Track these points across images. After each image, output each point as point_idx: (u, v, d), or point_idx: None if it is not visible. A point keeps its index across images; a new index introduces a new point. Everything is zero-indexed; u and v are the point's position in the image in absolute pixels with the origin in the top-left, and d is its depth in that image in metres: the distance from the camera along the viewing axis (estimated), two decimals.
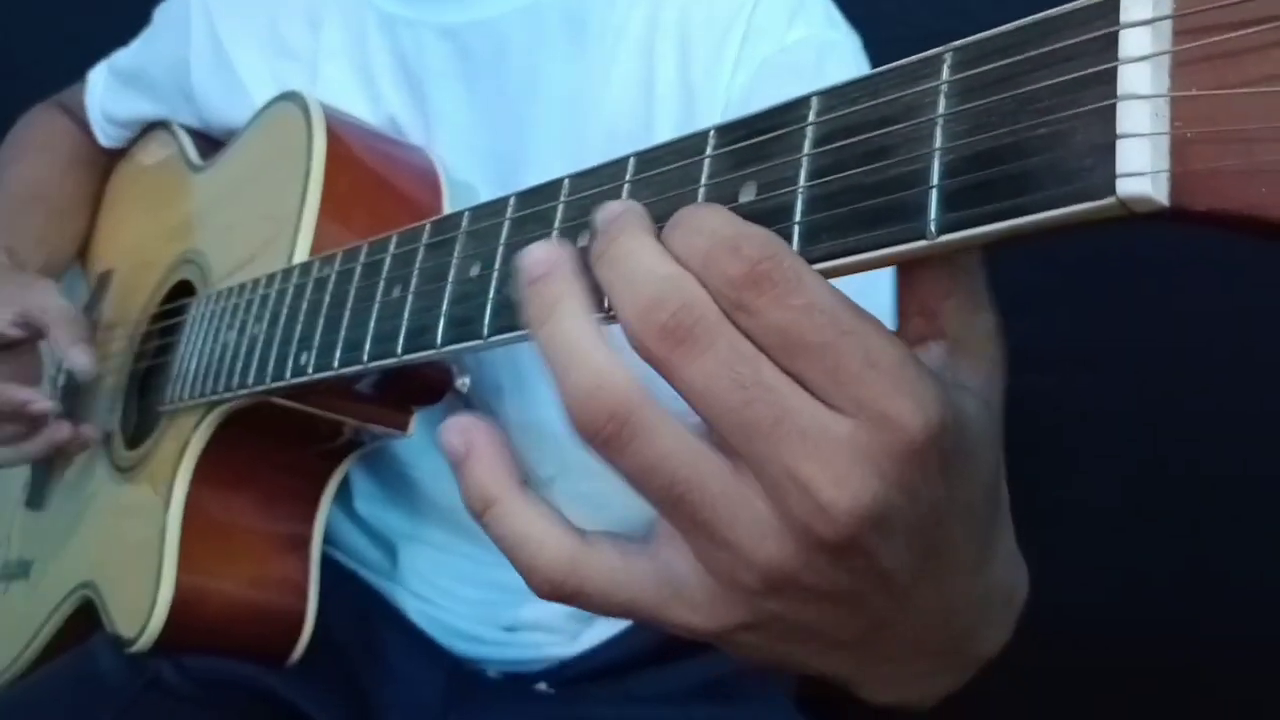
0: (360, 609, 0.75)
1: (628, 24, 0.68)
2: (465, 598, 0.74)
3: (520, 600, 0.73)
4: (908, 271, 0.30)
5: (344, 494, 0.76)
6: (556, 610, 0.73)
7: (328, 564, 0.72)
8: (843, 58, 0.67)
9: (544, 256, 0.31)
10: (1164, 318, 0.77)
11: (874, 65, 0.70)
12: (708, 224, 0.28)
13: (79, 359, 0.71)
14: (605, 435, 0.28)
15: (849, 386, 0.26)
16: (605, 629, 0.74)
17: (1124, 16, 0.25)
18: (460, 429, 0.31)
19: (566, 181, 0.40)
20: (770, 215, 0.32)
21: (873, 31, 0.69)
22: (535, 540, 0.30)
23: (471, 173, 0.69)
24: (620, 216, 0.30)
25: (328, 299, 0.51)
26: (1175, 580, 0.77)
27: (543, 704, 0.72)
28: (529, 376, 0.67)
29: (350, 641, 0.72)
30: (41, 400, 0.71)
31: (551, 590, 0.30)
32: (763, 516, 0.27)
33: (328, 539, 0.75)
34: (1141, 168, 0.24)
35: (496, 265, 0.41)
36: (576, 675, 0.73)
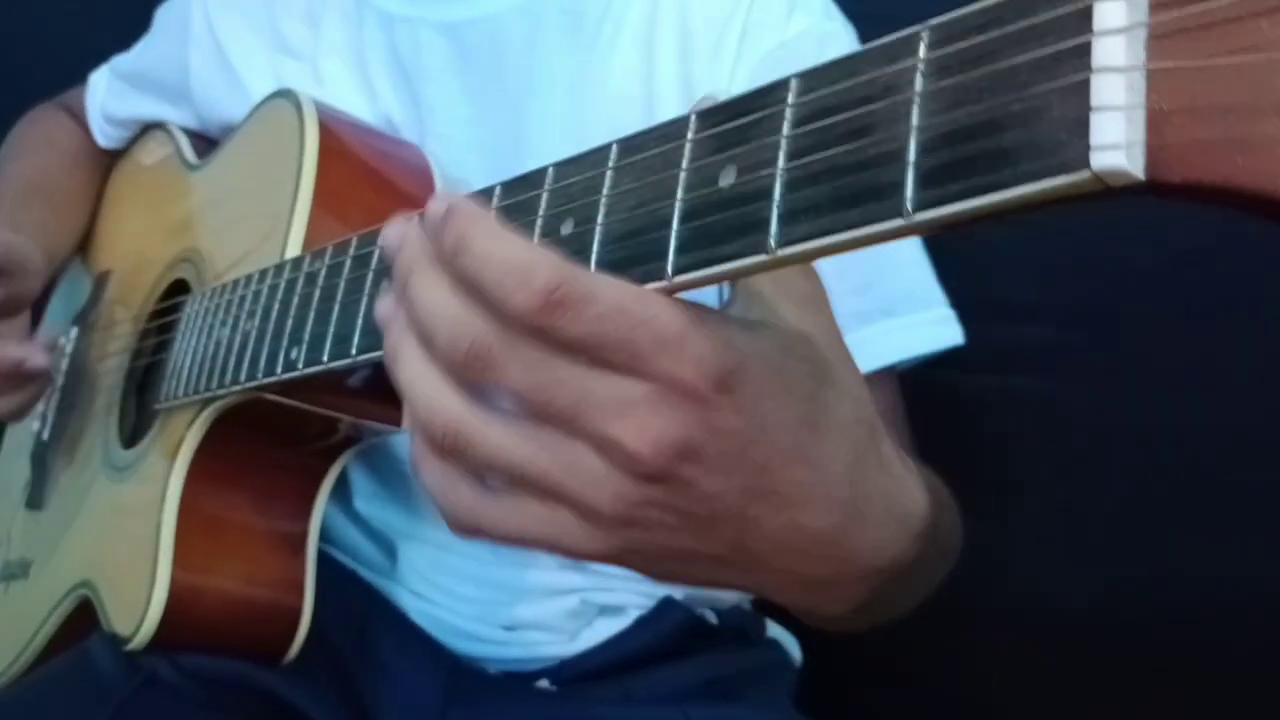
0: (359, 608, 0.74)
1: (626, 16, 0.68)
2: (464, 596, 0.73)
3: (520, 600, 0.73)
4: None
5: (343, 492, 0.76)
6: (556, 609, 0.72)
7: (326, 563, 0.72)
8: (840, 47, 0.67)
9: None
10: (1163, 319, 0.76)
11: None
12: (495, 254, 0.32)
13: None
14: (446, 448, 0.34)
15: (645, 364, 0.32)
16: (605, 628, 0.73)
17: None
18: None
19: (550, 170, 0.40)
20: (750, 198, 0.32)
21: (871, 28, 0.69)
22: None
23: (470, 169, 0.69)
24: (406, 249, 0.35)
25: (317, 293, 0.51)
26: (1172, 581, 0.76)
27: (543, 702, 0.72)
28: None
29: (349, 640, 0.72)
30: (36, 356, 0.72)
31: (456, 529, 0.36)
32: (597, 470, 0.33)
33: (326, 538, 0.75)
34: (1116, 141, 0.24)
35: None
36: (576, 675, 0.72)
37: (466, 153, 0.69)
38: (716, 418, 0.32)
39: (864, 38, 0.68)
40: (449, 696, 0.71)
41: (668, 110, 0.65)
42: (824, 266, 0.65)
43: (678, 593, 0.73)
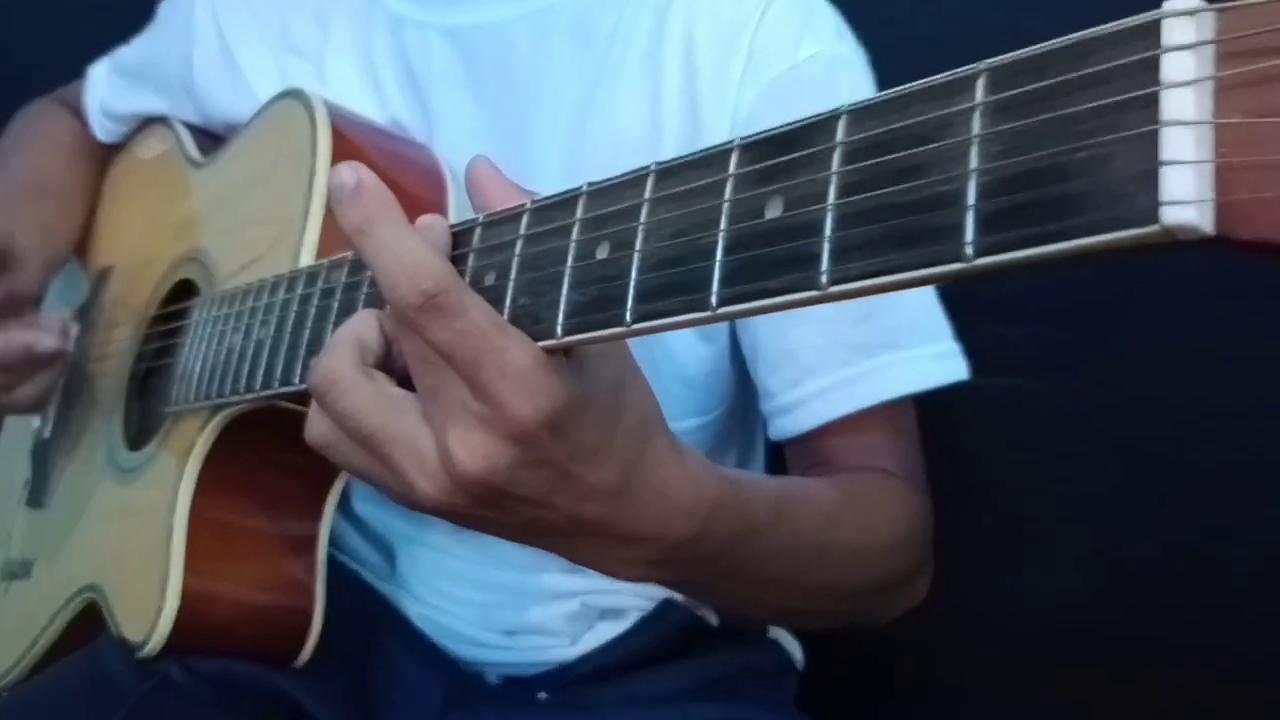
0: (362, 611, 0.74)
1: (635, 31, 0.67)
2: (465, 600, 0.73)
3: (521, 603, 0.73)
4: None
5: (343, 494, 0.75)
6: (557, 613, 0.72)
7: (330, 565, 0.72)
8: (851, 72, 0.67)
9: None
10: (1163, 319, 0.77)
11: (878, 72, 0.69)
12: (392, 247, 0.39)
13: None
14: (319, 392, 0.43)
15: (484, 386, 0.38)
16: (605, 631, 0.73)
17: (1165, 40, 0.25)
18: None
19: (584, 191, 0.40)
20: (798, 231, 0.32)
21: (874, 34, 0.68)
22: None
23: None
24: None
25: (336, 305, 0.51)
26: (1174, 583, 0.76)
27: (542, 709, 0.72)
28: None
29: (353, 643, 0.72)
30: (44, 339, 0.71)
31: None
32: (428, 459, 0.40)
33: (329, 540, 0.75)
34: (1186, 195, 0.24)
35: (512, 275, 0.41)
36: (577, 678, 0.72)
37: (470, 159, 0.69)
38: (539, 451, 0.39)
39: (870, 43, 0.68)
40: (449, 704, 0.71)
41: (672, 127, 0.65)
42: None
43: (678, 594, 0.73)
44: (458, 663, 0.74)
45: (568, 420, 0.39)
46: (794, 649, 0.79)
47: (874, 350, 0.64)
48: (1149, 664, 0.77)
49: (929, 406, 0.73)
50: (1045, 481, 0.81)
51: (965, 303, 0.81)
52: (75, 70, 0.90)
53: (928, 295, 0.67)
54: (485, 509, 0.41)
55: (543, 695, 0.73)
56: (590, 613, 0.73)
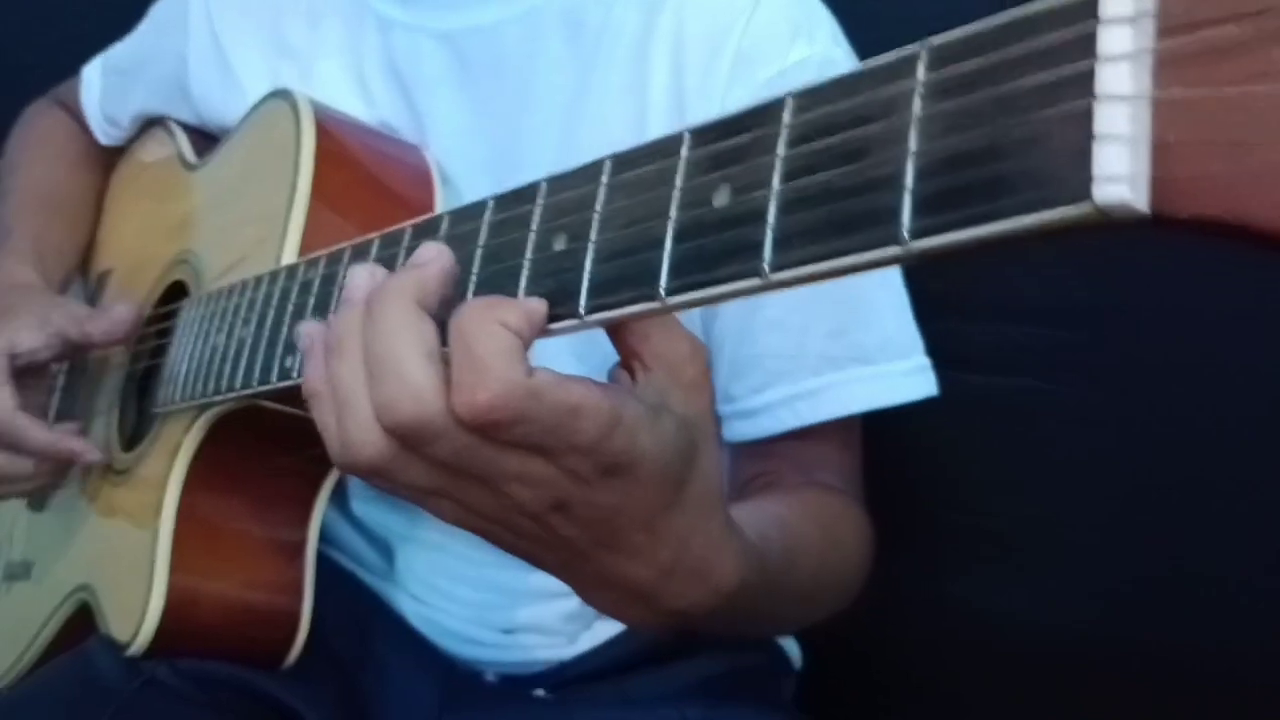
0: (357, 610, 0.74)
1: (623, 28, 0.67)
2: (462, 599, 0.73)
3: (519, 603, 0.72)
4: (612, 331, 0.38)
5: (341, 494, 0.75)
6: (554, 612, 0.72)
7: (326, 564, 0.72)
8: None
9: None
10: (1163, 319, 0.75)
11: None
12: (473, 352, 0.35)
13: (121, 317, 0.71)
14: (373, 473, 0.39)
15: (558, 459, 0.36)
16: (603, 631, 0.73)
17: (1103, 12, 0.24)
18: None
19: (544, 184, 0.39)
20: (744, 220, 0.31)
21: (871, 35, 0.67)
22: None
23: (466, 179, 0.69)
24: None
25: (312, 302, 0.50)
26: (1175, 585, 0.75)
27: (539, 708, 0.72)
28: None
29: (347, 643, 0.72)
30: (94, 451, 0.71)
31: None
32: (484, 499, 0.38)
33: (326, 539, 0.74)
34: (1120, 172, 0.23)
35: (475, 269, 0.40)
36: (574, 678, 0.72)
37: (461, 163, 0.68)
38: (594, 494, 0.37)
39: (865, 44, 0.67)
40: (445, 703, 0.71)
41: (659, 126, 0.65)
42: (800, 307, 0.65)
43: None
44: (454, 662, 0.73)
45: (628, 472, 0.37)
46: (792, 649, 0.79)
47: (844, 363, 0.64)
48: (1148, 670, 0.76)
49: (931, 407, 0.72)
50: (1046, 482, 0.79)
51: (970, 302, 0.80)
52: (71, 69, 0.91)
53: (902, 308, 0.67)
54: (537, 533, 0.39)
55: (540, 692, 0.73)
56: (588, 612, 0.72)
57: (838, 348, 0.64)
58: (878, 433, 0.70)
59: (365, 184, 0.64)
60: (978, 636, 0.80)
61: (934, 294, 0.79)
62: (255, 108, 0.70)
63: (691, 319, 0.67)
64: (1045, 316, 0.77)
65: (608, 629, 0.73)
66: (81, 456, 0.70)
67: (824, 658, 0.79)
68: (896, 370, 0.65)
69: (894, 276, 0.68)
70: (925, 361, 0.66)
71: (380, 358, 0.36)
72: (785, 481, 0.65)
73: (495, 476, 0.37)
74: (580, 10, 0.68)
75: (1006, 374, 0.78)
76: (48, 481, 0.73)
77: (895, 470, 0.80)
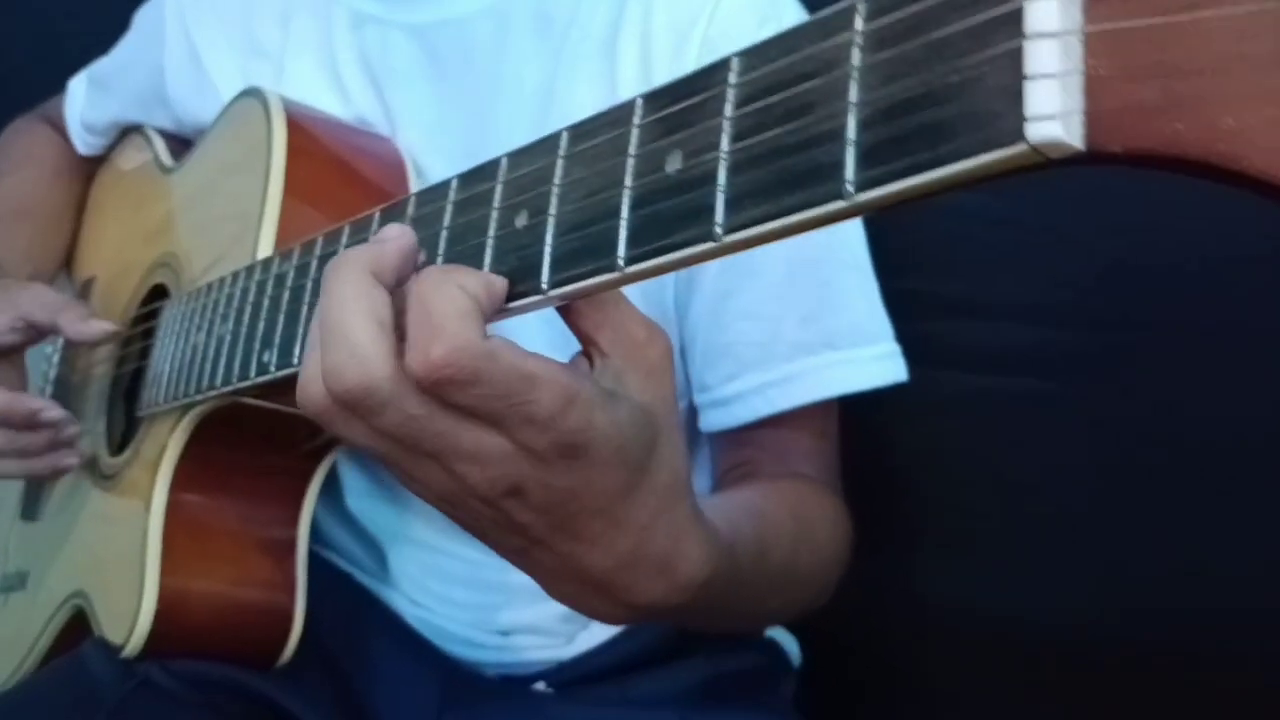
0: (353, 610, 0.74)
1: (592, 20, 0.67)
2: (458, 601, 0.73)
3: (515, 603, 0.72)
4: (565, 311, 0.38)
5: (334, 491, 0.75)
6: (551, 613, 0.72)
7: (320, 564, 0.72)
8: None
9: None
10: (1162, 319, 0.74)
11: None
12: (426, 303, 0.34)
13: (95, 327, 0.71)
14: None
15: (512, 432, 0.35)
16: (601, 632, 0.72)
17: None
18: None
19: (504, 160, 0.39)
20: (696, 183, 0.31)
21: None
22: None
23: (439, 171, 0.69)
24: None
25: (286, 294, 0.50)
26: (1176, 584, 0.74)
27: (539, 705, 0.71)
28: None
29: (343, 643, 0.72)
30: (54, 407, 0.71)
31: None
32: (436, 476, 0.37)
33: (319, 539, 0.75)
34: (1052, 110, 0.23)
35: (440, 250, 0.40)
36: (573, 678, 0.72)
37: (434, 156, 0.69)
38: (550, 475, 0.36)
39: None
40: (445, 701, 0.70)
41: None
42: (772, 295, 0.65)
43: None
44: (453, 663, 0.73)
45: (585, 454, 0.36)
46: (791, 648, 0.79)
47: (816, 348, 0.64)
48: (1149, 667, 0.75)
49: (931, 407, 0.72)
50: (1045, 482, 0.78)
51: (970, 302, 0.79)
52: (70, 74, 0.90)
53: (871, 295, 0.68)
54: (493, 517, 0.39)
55: (541, 686, 0.73)
56: None
57: (809, 334, 0.64)
58: (878, 434, 0.70)
59: (338, 178, 0.64)
60: (977, 636, 0.80)
61: (934, 294, 0.79)
62: (227, 108, 0.70)
63: (666, 310, 0.67)
64: (1045, 316, 0.77)
65: (605, 629, 0.72)
66: (42, 414, 0.69)
67: (823, 658, 0.79)
68: (867, 355, 0.66)
69: (864, 262, 0.68)
70: (895, 347, 0.67)
71: (329, 325, 0.36)
72: (762, 472, 0.65)
73: (447, 453, 0.36)
74: (549, 3, 0.68)
75: (1006, 374, 0.77)
76: (23, 467, 0.72)
77: (896, 471, 0.80)
